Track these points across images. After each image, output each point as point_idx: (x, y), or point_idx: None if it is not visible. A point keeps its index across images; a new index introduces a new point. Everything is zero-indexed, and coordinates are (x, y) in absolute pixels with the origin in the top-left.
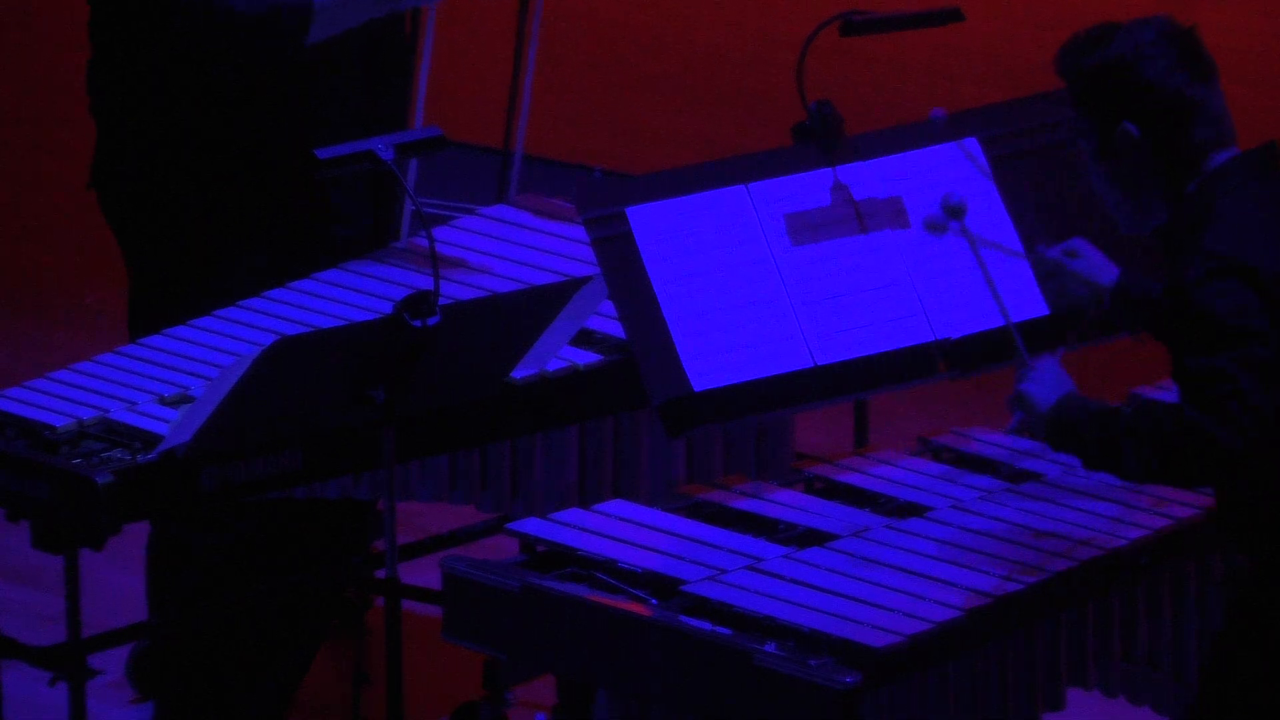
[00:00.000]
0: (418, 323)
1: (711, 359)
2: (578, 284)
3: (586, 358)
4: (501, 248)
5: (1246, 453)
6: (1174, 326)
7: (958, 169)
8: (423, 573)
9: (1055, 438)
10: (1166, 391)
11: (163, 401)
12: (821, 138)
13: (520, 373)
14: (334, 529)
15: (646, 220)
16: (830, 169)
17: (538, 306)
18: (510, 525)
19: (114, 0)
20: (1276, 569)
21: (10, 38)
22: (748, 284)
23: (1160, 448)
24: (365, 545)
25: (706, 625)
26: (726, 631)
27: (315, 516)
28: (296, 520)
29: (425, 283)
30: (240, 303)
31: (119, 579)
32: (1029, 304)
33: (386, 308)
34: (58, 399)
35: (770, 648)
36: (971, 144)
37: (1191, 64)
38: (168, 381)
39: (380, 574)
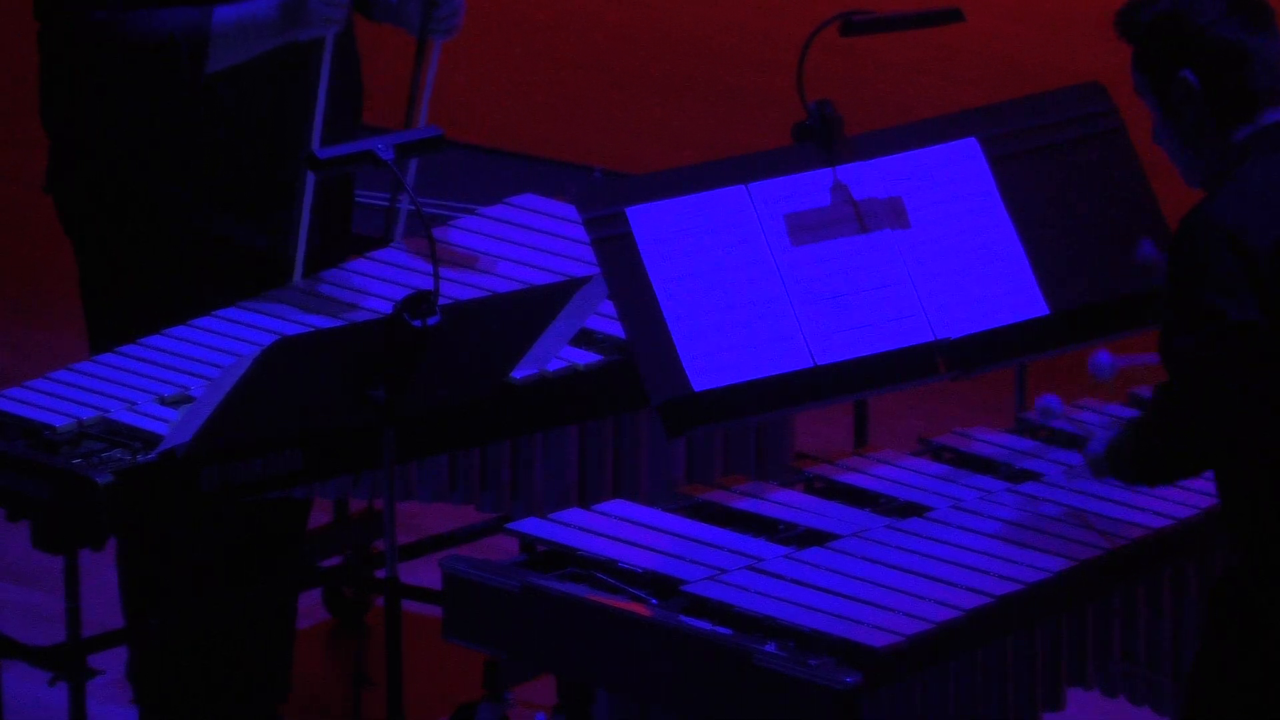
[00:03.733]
0: (418, 323)
1: (711, 359)
2: (578, 284)
3: (586, 358)
4: (501, 248)
5: (1222, 432)
6: (1166, 280)
7: (958, 169)
8: (423, 573)
9: (1122, 479)
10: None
11: (163, 401)
12: (821, 138)
13: (520, 373)
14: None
15: (646, 220)
16: (830, 169)
17: (538, 306)
18: (510, 525)
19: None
20: (1262, 565)
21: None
22: (748, 284)
23: (1151, 440)
24: (298, 544)
25: (706, 625)
26: (726, 631)
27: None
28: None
29: (425, 283)
30: (240, 303)
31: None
32: (1029, 304)
33: (386, 308)
34: (58, 399)
35: (770, 648)
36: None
37: (1245, 11)
38: (168, 381)
39: (380, 574)
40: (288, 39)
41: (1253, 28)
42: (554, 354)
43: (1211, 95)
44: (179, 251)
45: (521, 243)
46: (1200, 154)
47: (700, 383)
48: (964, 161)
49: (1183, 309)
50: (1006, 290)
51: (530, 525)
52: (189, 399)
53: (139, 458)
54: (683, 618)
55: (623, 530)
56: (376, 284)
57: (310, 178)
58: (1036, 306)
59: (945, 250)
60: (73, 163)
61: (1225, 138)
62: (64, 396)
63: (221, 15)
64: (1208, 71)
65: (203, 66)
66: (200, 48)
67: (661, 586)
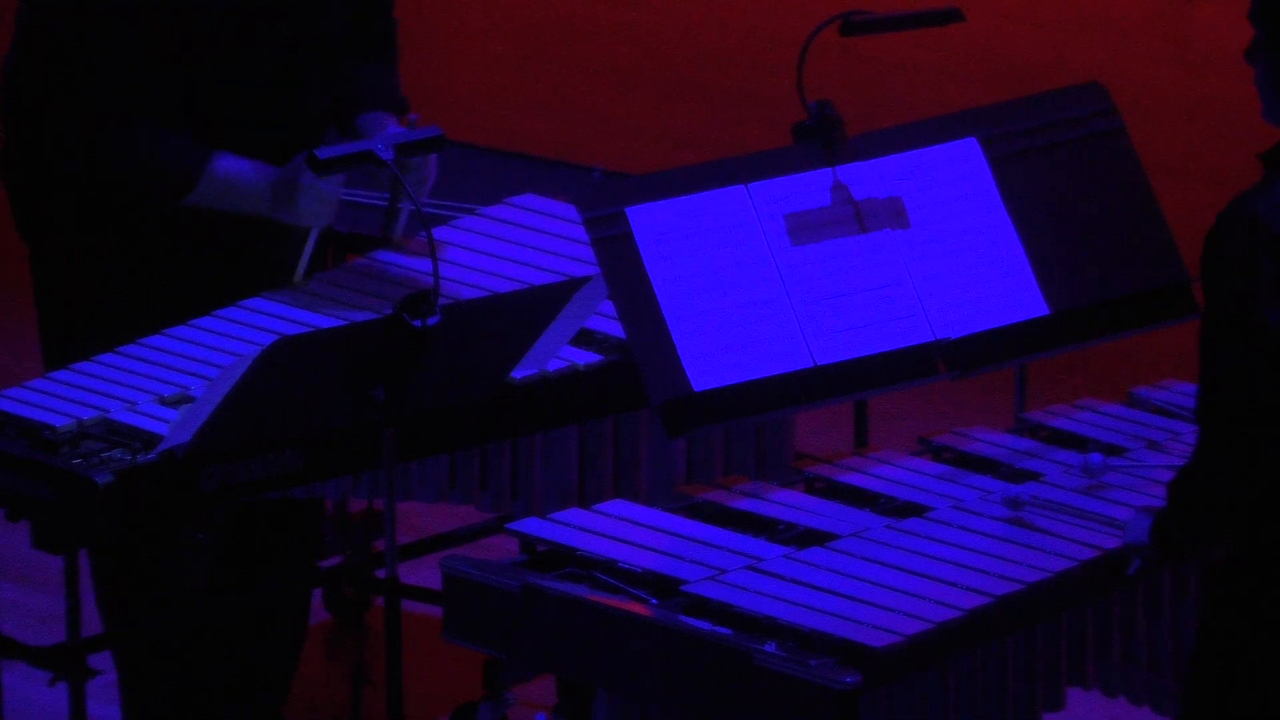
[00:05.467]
0: (418, 323)
1: (711, 359)
2: (578, 284)
3: (586, 358)
4: (501, 248)
5: (1264, 446)
6: (1202, 277)
7: (958, 169)
8: (423, 573)
9: (1173, 556)
10: (1166, 391)
11: (163, 401)
12: (821, 138)
13: (520, 373)
14: (288, 531)
15: (646, 220)
16: (830, 169)
17: (538, 306)
18: (510, 525)
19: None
20: (1251, 554)
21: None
22: (748, 284)
23: (1197, 486)
24: (318, 546)
25: (706, 625)
26: (726, 631)
27: (271, 519)
28: (254, 524)
29: (425, 283)
30: (240, 303)
31: None
32: (1029, 304)
33: (386, 308)
34: (58, 399)
35: (770, 648)
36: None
37: None
38: (168, 381)
39: (380, 574)
40: (273, 217)
41: None
42: (554, 354)
43: None
44: (136, 249)
45: (521, 243)
46: None
47: (700, 383)
48: (964, 161)
49: (1228, 320)
50: (1006, 290)
51: (530, 525)
52: (189, 399)
53: (139, 458)
54: (683, 618)
55: (623, 530)
56: (376, 284)
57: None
58: (1036, 306)
59: (945, 250)
60: (27, 152)
61: None
62: (64, 396)
63: (217, 166)
64: None
65: (178, 200)
66: (185, 185)
67: (661, 586)
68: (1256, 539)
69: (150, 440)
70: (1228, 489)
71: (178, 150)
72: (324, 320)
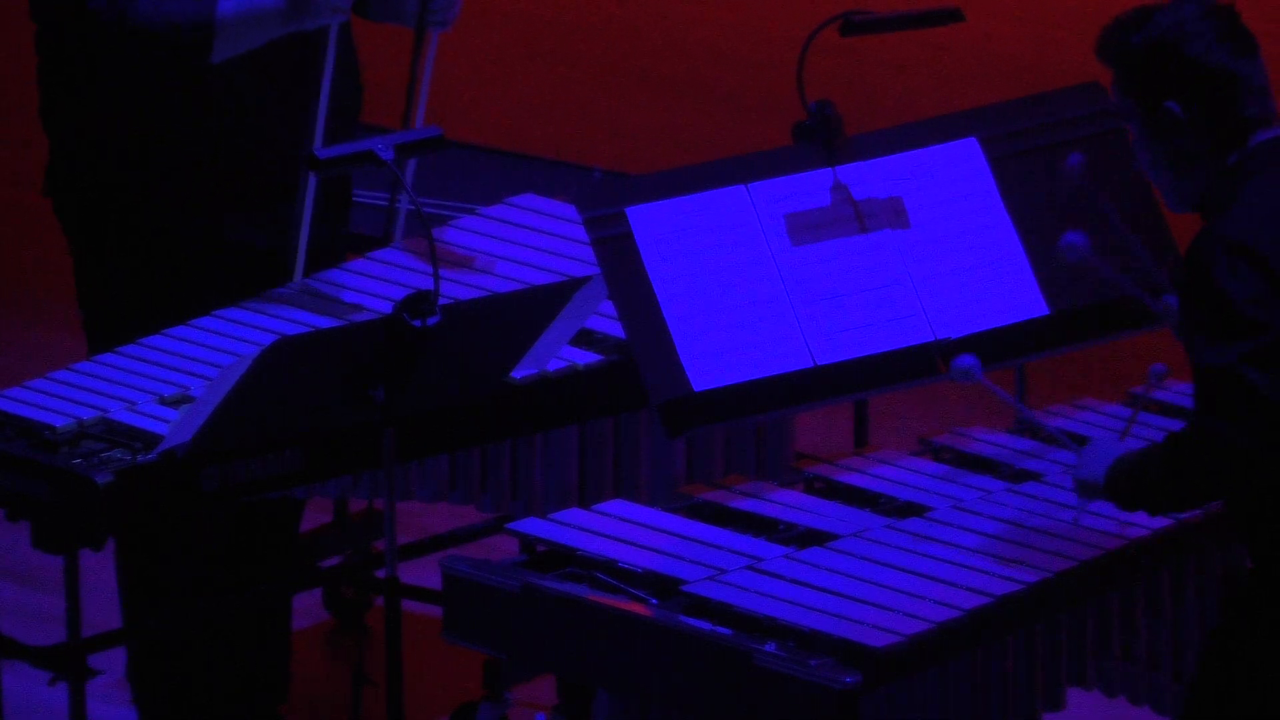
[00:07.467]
0: (418, 323)
1: (711, 359)
2: (578, 284)
3: (586, 358)
4: (501, 248)
5: (1261, 451)
6: (1185, 306)
7: (958, 169)
8: (423, 573)
9: (1122, 504)
10: (1166, 391)
11: (163, 401)
12: (821, 138)
13: (520, 373)
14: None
15: (646, 220)
16: (830, 169)
17: (538, 306)
18: (510, 525)
19: (52, 14)
20: (1268, 563)
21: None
22: (748, 284)
23: (1180, 465)
24: (293, 542)
25: (706, 625)
26: (726, 631)
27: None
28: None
29: (425, 283)
30: (240, 303)
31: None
32: (1029, 304)
33: (386, 308)
34: (58, 399)
35: (770, 648)
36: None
37: (1233, 39)
38: (168, 381)
39: (380, 574)
40: (294, 28)
41: (1241, 55)
42: (554, 354)
43: (1202, 124)
44: (179, 252)
45: (521, 243)
46: (1188, 179)
47: (700, 383)
48: (964, 161)
49: (1218, 327)
50: (1006, 290)
51: (530, 525)
52: (189, 399)
53: (139, 458)
54: (683, 618)
55: (623, 530)
56: (376, 284)
57: (312, 178)
58: (1036, 306)
59: (945, 250)
60: (72, 164)
61: (1216, 163)
62: (64, 396)
63: (227, 4)
64: (1199, 101)
65: (207, 56)
66: (205, 37)
67: (661, 586)
68: (1265, 546)
69: (150, 440)
70: (1219, 485)
71: (182, 8)
72: (324, 320)
